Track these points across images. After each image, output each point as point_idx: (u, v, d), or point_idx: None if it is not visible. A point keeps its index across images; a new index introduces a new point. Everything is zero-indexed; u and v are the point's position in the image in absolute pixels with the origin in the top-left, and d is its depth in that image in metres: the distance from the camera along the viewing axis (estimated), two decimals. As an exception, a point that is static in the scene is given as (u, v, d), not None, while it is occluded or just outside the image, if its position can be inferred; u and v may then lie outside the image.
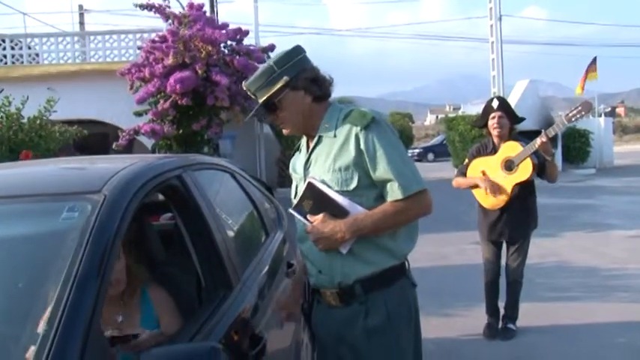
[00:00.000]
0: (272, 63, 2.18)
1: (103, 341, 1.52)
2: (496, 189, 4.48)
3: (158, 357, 1.39)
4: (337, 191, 2.13)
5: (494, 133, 4.61)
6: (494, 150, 4.64)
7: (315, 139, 2.23)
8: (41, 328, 1.36)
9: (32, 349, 1.33)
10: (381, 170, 2.09)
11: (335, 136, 2.17)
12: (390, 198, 2.10)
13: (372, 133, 2.11)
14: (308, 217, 2.16)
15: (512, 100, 20.47)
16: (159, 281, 2.27)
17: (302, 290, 3.35)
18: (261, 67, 2.21)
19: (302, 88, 2.18)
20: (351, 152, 2.11)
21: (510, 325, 4.83)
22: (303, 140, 2.35)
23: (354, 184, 2.12)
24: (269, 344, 2.20)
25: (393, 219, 2.11)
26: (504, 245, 4.85)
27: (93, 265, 1.52)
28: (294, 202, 2.23)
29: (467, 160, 4.75)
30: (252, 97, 2.24)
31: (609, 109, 30.66)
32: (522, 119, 4.83)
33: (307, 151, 2.28)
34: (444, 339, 4.77)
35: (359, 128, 2.11)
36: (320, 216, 2.12)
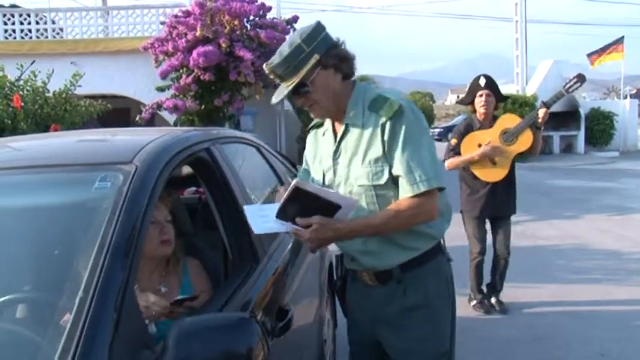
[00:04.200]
0: (300, 41, 2.00)
1: (137, 308, 1.55)
2: (502, 160, 4.51)
3: (191, 325, 1.41)
4: (369, 185, 2.03)
5: (481, 110, 4.63)
6: (481, 128, 4.64)
7: (343, 127, 2.11)
8: (78, 294, 1.39)
9: (69, 315, 1.35)
10: (396, 165, 1.99)
11: (363, 126, 2.05)
12: (400, 195, 1.99)
13: (396, 125, 1.99)
14: (297, 220, 1.93)
15: (536, 81, 20.25)
16: (191, 254, 2.31)
17: (334, 266, 3.37)
18: (286, 47, 2.02)
19: (332, 66, 2.03)
20: (378, 144, 2.01)
21: (501, 299, 4.94)
22: (328, 123, 2.22)
23: (384, 178, 2.01)
24: (294, 318, 2.22)
25: (395, 222, 1.99)
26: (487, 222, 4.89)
27: (125, 233, 1.54)
28: (277, 209, 1.94)
29: (454, 140, 4.66)
30: (277, 79, 2.06)
31: (634, 90, 30.06)
32: (507, 98, 4.83)
33: (335, 139, 2.15)
34: (464, 318, 4.77)
35: (385, 118, 2.00)
36: (315, 219, 1.91)
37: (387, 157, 2.01)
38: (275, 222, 1.97)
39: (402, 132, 1.98)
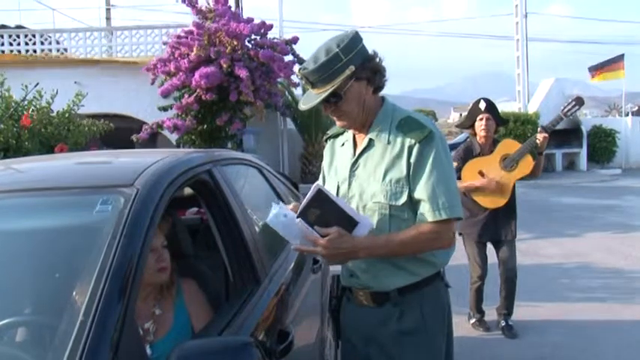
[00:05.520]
0: (338, 50, 1.95)
1: (137, 331, 1.55)
2: (503, 188, 4.50)
3: (192, 350, 1.41)
4: (385, 204, 2.02)
5: (482, 134, 4.64)
6: (482, 151, 4.64)
7: (366, 141, 2.11)
8: (78, 318, 1.38)
9: (69, 338, 1.35)
10: (420, 189, 1.99)
11: (389, 143, 2.05)
12: (418, 218, 2.00)
13: (425, 149, 2.00)
14: (315, 228, 1.94)
15: (538, 99, 20.30)
16: (188, 275, 2.30)
17: (330, 285, 3.35)
18: (322, 54, 1.98)
19: (365, 78, 2.03)
20: (403, 165, 2.01)
21: (510, 322, 4.88)
22: (348, 134, 2.22)
23: (403, 199, 2.01)
24: (295, 340, 2.21)
25: (411, 246, 2.00)
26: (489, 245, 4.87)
27: (126, 257, 1.54)
28: (299, 209, 1.96)
29: (455, 163, 4.52)
30: (309, 85, 2.04)
31: (636, 108, 30.06)
32: (507, 121, 4.81)
33: (354, 151, 2.15)
34: (466, 338, 4.75)
35: (413, 141, 2.00)
36: (334, 230, 1.92)
37: (410, 179, 2.01)
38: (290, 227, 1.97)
39: (431, 157, 1.99)
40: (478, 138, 4.68)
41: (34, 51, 14.69)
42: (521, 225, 4.89)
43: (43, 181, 2.05)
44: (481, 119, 4.63)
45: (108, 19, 22.65)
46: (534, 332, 4.84)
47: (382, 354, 2.13)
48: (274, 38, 11.65)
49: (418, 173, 1.99)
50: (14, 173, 2.26)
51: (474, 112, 4.70)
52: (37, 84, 6.10)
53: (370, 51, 2.06)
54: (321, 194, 1.91)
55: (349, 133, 2.21)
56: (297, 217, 1.94)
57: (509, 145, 4.60)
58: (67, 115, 6.83)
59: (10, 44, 14.71)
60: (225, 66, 10.18)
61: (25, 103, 6.41)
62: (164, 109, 11.06)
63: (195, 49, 10.24)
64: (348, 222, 1.94)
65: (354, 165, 2.13)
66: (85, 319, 1.38)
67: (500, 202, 4.56)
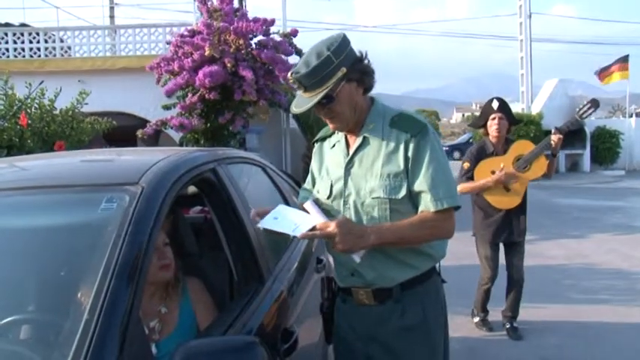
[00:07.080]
0: (329, 53, 1.97)
1: (142, 330, 1.54)
2: (518, 179, 4.49)
3: (196, 348, 1.41)
4: (384, 198, 2.04)
5: (494, 134, 4.62)
6: (495, 151, 4.62)
7: (360, 139, 2.13)
8: (83, 316, 1.38)
9: (75, 336, 1.35)
10: (420, 181, 2.01)
11: (383, 139, 2.08)
12: (421, 208, 2.03)
13: (421, 142, 2.04)
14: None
15: (541, 100, 20.29)
16: (193, 274, 2.30)
17: (320, 288, 3.33)
18: (313, 57, 1.99)
19: (355, 80, 2.05)
20: (400, 160, 2.04)
21: (515, 324, 4.86)
22: (338, 135, 2.23)
23: (402, 193, 2.03)
24: (299, 339, 2.20)
25: (416, 232, 2.01)
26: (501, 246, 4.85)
27: (131, 255, 1.54)
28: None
29: (467, 164, 4.64)
30: (301, 89, 2.04)
31: (640, 109, 30.02)
32: (519, 121, 4.79)
33: (348, 151, 2.17)
34: (469, 338, 4.75)
35: (409, 135, 2.04)
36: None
37: (409, 172, 2.04)
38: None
39: (428, 150, 2.03)
40: (491, 137, 4.65)
41: (38, 49, 14.70)
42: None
43: (48, 178, 2.04)
44: (493, 118, 4.60)
45: (111, 17, 22.69)
46: (537, 333, 4.83)
47: (385, 352, 2.13)
48: (276, 32, 11.61)
49: (417, 166, 2.03)
50: (19, 171, 2.26)
51: (487, 111, 4.67)
52: (42, 82, 6.10)
53: (357, 52, 2.09)
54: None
55: (340, 135, 2.23)
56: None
57: (523, 146, 4.57)
58: (70, 113, 6.83)
59: (15, 42, 14.71)
60: (229, 65, 10.18)
61: (29, 100, 6.42)
62: (168, 107, 11.05)
63: (207, 48, 10.22)
64: None
65: (349, 164, 2.15)
66: (91, 318, 1.37)
67: (513, 202, 4.55)
